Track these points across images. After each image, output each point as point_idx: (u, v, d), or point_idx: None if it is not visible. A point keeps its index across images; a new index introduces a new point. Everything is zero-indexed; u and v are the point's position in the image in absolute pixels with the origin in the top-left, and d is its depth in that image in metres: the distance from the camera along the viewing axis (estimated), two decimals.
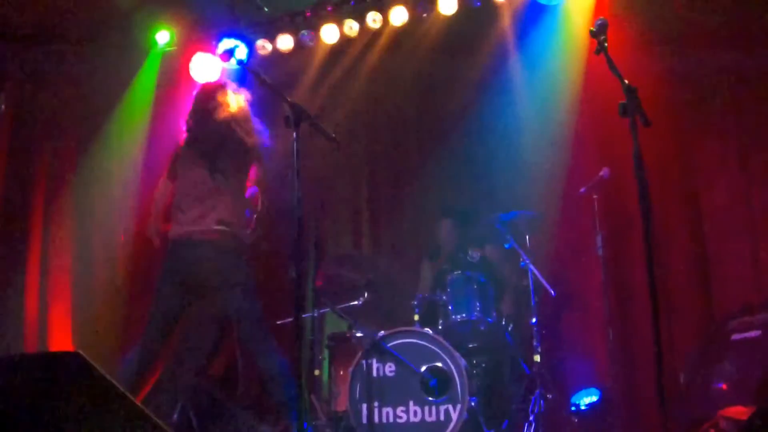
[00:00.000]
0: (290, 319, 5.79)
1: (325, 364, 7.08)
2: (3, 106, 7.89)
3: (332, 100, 8.12)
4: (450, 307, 6.75)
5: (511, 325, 7.00)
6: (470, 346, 6.74)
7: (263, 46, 8.21)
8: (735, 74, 7.03)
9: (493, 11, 7.75)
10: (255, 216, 5.81)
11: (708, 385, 5.83)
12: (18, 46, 8.04)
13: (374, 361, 6.17)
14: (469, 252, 7.40)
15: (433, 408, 6.01)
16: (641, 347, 6.82)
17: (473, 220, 7.55)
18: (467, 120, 8.14)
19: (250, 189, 5.80)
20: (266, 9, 8.07)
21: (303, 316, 7.00)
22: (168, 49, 8.26)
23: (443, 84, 8.27)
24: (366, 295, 7.13)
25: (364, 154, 8.69)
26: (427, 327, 6.48)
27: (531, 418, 6.32)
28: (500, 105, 7.98)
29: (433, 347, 6.15)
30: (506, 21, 7.78)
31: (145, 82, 8.25)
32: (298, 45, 8.20)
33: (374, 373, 6.14)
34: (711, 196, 7.09)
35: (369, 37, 8.10)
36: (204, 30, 8.16)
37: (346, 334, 6.89)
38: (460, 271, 6.90)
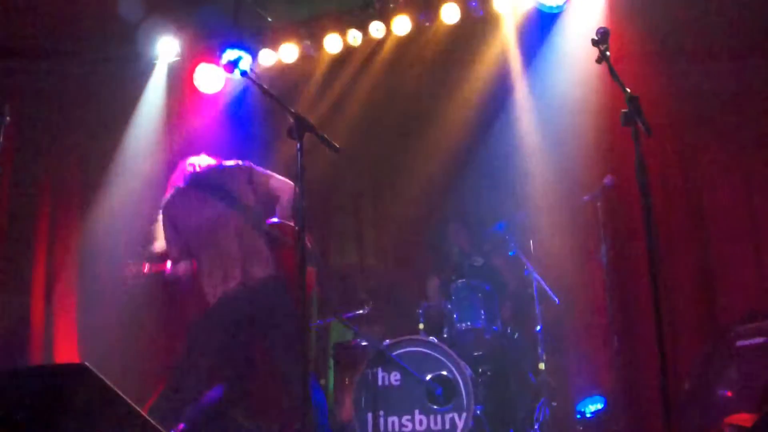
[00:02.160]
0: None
1: (330, 373, 7.09)
2: (8, 119, 7.89)
3: (336, 110, 8.13)
4: (455, 316, 6.77)
5: (516, 333, 7.01)
6: (475, 354, 6.75)
7: (267, 56, 8.23)
8: (737, 81, 7.04)
9: (495, 20, 7.77)
10: None
11: (712, 392, 5.83)
12: (23, 59, 8.06)
13: (379, 370, 6.18)
14: (473, 257, 7.42)
15: (439, 417, 6.02)
16: (646, 354, 6.81)
17: (479, 227, 7.56)
18: (471, 129, 8.16)
19: None
20: (270, 19, 8.09)
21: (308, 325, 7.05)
22: (172, 59, 8.29)
23: (446, 93, 8.28)
24: (371, 304, 7.13)
25: (367, 163, 8.71)
26: (432, 335, 6.49)
27: (536, 426, 6.33)
28: (503, 113, 7.99)
29: (438, 356, 6.16)
30: (509, 29, 7.79)
31: (154, 94, 8.27)
32: (302, 55, 8.22)
33: (379, 382, 6.15)
34: (714, 202, 7.10)
35: (372, 46, 8.12)
36: (208, 41, 8.19)
37: (351, 343, 6.90)
38: (464, 280, 6.90)
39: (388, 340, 6.32)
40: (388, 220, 8.67)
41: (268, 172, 5.85)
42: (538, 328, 6.71)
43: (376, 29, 7.88)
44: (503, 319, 7.06)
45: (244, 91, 8.36)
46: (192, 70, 8.19)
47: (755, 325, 6.00)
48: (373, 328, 7.05)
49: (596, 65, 4.16)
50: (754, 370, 5.62)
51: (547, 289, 6.88)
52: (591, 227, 6.86)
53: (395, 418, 6.08)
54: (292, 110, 4.49)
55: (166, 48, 8.19)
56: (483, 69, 8.06)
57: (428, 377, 6.11)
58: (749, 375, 5.63)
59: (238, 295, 5.46)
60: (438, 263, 7.83)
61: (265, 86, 4.80)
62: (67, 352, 7.70)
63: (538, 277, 6.86)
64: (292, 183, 5.80)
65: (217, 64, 8.05)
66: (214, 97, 8.36)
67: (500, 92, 8.03)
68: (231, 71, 7.47)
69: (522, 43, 7.84)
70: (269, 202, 5.88)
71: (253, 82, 4.92)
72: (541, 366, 6.62)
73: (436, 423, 6.00)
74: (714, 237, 7.06)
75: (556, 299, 6.88)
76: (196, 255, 5.68)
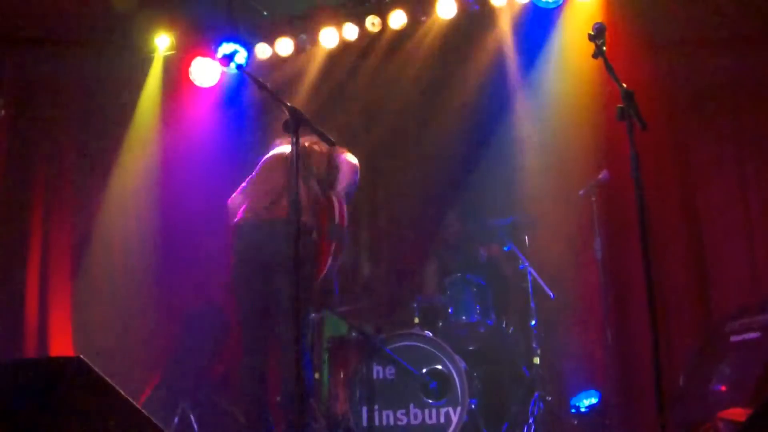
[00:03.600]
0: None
1: (325, 367, 7.09)
2: (2, 111, 7.90)
3: (331, 104, 8.13)
4: (450, 310, 6.77)
5: (511, 328, 7.02)
6: (470, 348, 6.76)
7: (262, 50, 8.22)
8: (732, 77, 7.04)
9: (491, 15, 7.77)
10: None
11: (706, 386, 5.83)
12: (17, 50, 8.04)
13: (374, 363, 6.18)
14: (480, 251, 7.42)
15: (434, 410, 6.03)
16: (640, 349, 6.83)
17: (477, 217, 7.56)
18: (466, 123, 8.16)
19: None
20: (265, 13, 8.09)
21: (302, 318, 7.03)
22: (168, 53, 8.27)
23: (442, 88, 8.28)
24: (366, 297, 7.14)
25: (362, 157, 8.69)
26: (427, 329, 6.50)
27: (530, 420, 6.34)
28: (499, 108, 8.00)
29: (433, 350, 6.17)
30: (505, 24, 7.79)
31: (149, 87, 8.26)
32: (298, 49, 8.21)
33: (374, 376, 6.15)
34: (708, 197, 7.10)
35: (368, 41, 8.11)
36: (203, 34, 8.17)
37: (345, 336, 6.90)
38: (459, 274, 6.91)
39: (383, 334, 6.32)
40: (382, 214, 8.67)
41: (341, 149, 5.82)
42: (533, 322, 6.72)
43: (372, 23, 7.88)
44: (508, 315, 7.09)
45: (240, 85, 8.35)
46: (188, 64, 8.19)
47: (749, 320, 5.99)
48: (368, 322, 7.05)
49: (592, 60, 4.16)
50: (747, 365, 5.62)
51: (542, 283, 6.88)
52: (586, 222, 6.86)
53: (390, 412, 6.08)
54: (288, 104, 4.49)
55: (162, 41, 8.17)
56: (479, 64, 8.05)
57: (423, 371, 6.12)
58: (743, 370, 5.63)
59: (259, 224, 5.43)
60: (436, 250, 7.82)
61: (261, 80, 4.79)
62: (62, 345, 7.70)
63: (533, 272, 6.86)
64: (356, 164, 5.79)
65: (213, 57, 8.05)
66: (210, 91, 8.35)
67: (496, 87, 8.03)
68: (226, 65, 7.48)
69: (518, 38, 7.84)
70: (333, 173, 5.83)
71: (249, 75, 4.92)
72: (536, 360, 6.63)
73: (430, 417, 6.01)
74: (708, 232, 7.06)
75: (551, 294, 6.88)
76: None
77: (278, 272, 5.26)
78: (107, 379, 3.43)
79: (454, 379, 6.05)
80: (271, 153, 5.81)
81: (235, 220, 5.50)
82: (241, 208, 5.51)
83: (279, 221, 5.30)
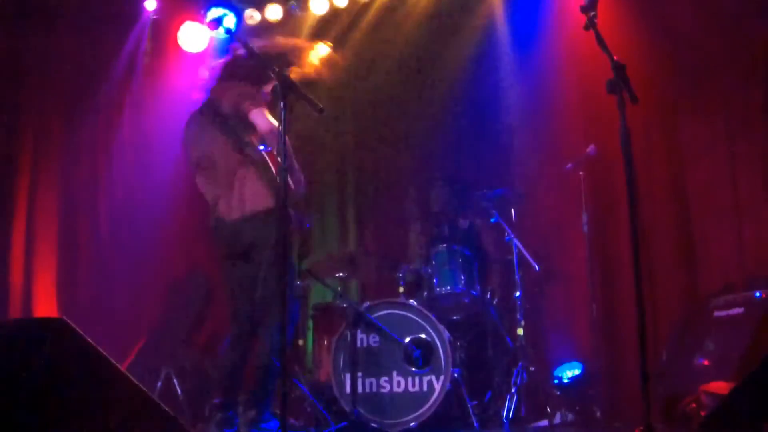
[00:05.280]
0: None
1: (309, 334, 7.11)
2: None
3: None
4: (434, 280, 6.78)
5: (496, 299, 7.04)
6: (454, 318, 6.77)
7: (252, 15, 8.19)
8: (723, 56, 7.01)
9: None
10: None
11: (690, 361, 5.87)
12: (2, 19, 7.95)
13: (358, 331, 6.19)
14: (459, 220, 7.41)
15: (417, 379, 6.05)
16: (624, 323, 6.85)
17: (464, 189, 7.55)
18: (454, 96, 8.13)
19: None
20: None
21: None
22: (156, 17, 8.21)
23: (431, 60, 8.25)
24: (351, 266, 7.14)
25: (349, 127, 8.68)
26: (412, 299, 6.50)
27: (513, 390, 6.36)
28: (488, 81, 7.97)
29: (417, 319, 6.18)
30: None
31: (137, 52, 8.20)
32: (287, 15, 8.18)
33: (358, 344, 6.17)
34: (697, 175, 7.09)
35: (358, 8, 8.08)
36: None
37: (330, 304, 6.91)
38: (444, 245, 6.91)
39: (367, 302, 6.33)
40: (369, 184, 8.65)
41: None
42: (518, 293, 6.73)
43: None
44: (491, 287, 7.10)
45: (228, 51, 8.29)
46: (176, 29, 8.13)
47: (733, 296, 6.04)
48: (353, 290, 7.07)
49: (582, 32, 4.14)
50: (731, 340, 5.65)
51: (528, 255, 6.88)
52: (573, 196, 6.86)
53: (373, 380, 6.10)
54: (276, 69, 4.45)
55: (150, 5, 8.11)
56: (469, 35, 8.03)
57: (407, 339, 6.13)
58: (726, 344, 5.66)
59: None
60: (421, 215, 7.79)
61: (250, 45, 4.76)
62: (46, 308, 7.69)
63: (519, 244, 6.86)
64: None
65: (201, 22, 7.99)
66: (198, 56, 8.30)
67: (486, 58, 8.00)
68: (215, 29, 7.40)
69: (509, 8, 7.81)
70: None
71: (238, 40, 4.88)
72: (520, 331, 6.64)
73: (414, 385, 6.03)
74: (695, 209, 7.06)
75: (537, 266, 6.89)
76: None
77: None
78: (91, 341, 3.43)
79: (437, 348, 6.06)
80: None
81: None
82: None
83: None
